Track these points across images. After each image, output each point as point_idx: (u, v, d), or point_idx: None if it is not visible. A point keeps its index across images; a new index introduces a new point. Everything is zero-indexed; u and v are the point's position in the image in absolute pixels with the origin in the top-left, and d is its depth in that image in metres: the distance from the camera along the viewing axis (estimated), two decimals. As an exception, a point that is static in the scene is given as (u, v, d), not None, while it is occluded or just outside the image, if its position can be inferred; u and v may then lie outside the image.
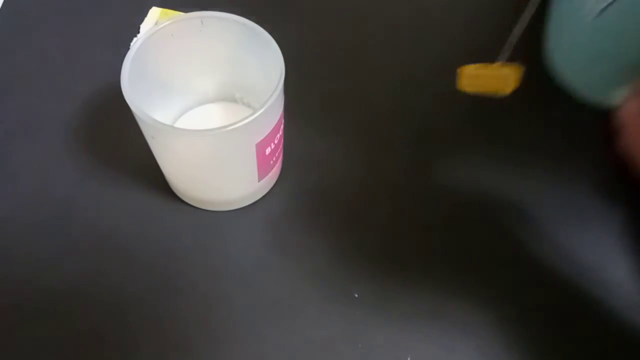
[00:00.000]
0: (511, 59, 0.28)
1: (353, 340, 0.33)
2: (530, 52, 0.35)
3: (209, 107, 0.39)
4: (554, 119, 0.35)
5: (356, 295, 0.34)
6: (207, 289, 0.34)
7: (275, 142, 0.33)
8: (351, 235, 0.36)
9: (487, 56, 0.32)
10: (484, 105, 0.35)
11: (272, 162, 0.35)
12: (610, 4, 0.24)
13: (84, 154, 0.39)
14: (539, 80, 0.36)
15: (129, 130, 0.35)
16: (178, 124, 0.38)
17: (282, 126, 0.34)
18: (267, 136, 0.32)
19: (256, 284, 0.34)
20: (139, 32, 0.44)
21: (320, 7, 0.47)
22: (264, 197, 0.37)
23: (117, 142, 0.39)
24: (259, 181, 0.35)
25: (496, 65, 0.29)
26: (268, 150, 0.33)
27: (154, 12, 0.45)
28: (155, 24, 0.44)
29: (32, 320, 0.33)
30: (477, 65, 0.31)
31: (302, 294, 0.34)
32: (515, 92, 0.29)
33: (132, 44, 0.32)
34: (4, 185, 0.37)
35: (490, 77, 0.30)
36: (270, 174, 0.36)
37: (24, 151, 0.39)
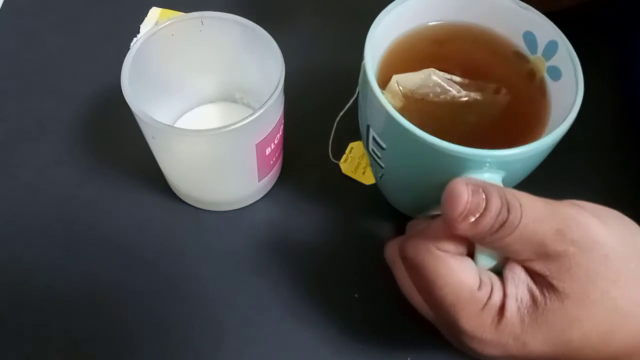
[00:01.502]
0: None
1: (353, 340, 0.33)
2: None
3: (209, 107, 0.39)
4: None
5: (356, 295, 0.34)
6: (207, 289, 0.34)
7: (275, 142, 0.33)
8: (351, 235, 0.36)
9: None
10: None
11: (272, 162, 0.35)
12: (382, 175, 0.33)
13: (84, 154, 0.39)
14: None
15: (129, 130, 0.35)
16: (178, 124, 0.38)
17: (282, 126, 0.34)
18: (267, 136, 0.32)
19: (256, 284, 0.34)
20: (139, 32, 0.44)
21: (320, 6, 0.47)
22: (264, 197, 0.37)
23: (117, 142, 0.39)
24: (259, 181, 0.35)
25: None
26: (268, 150, 0.33)
27: (154, 12, 0.45)
28: (155, 24, 0.44)
29: (32, 320, 0.33)
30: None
31: (302, 294, 0.34)
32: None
33: (132, 44, 0.32)
34: (3, 185, 0.37)
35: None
36: (270, 174, 0.36)
37: (24, 151, 0.39)
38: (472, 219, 0.23)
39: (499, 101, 0.31)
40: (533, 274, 0.24)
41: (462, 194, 0.23)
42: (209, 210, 0.37)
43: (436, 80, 0.31)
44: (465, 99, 0.31)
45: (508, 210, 0.23)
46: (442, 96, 0.31)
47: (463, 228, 0.23)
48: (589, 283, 0.23)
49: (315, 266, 0.35)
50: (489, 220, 0.23)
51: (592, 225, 0.23)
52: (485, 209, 0.23)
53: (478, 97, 0.31)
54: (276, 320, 0.33)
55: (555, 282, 0.23)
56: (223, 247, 0.36)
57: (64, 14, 0.45)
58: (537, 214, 0.23)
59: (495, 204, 0.23)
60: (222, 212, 0.37)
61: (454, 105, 0.31)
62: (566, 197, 0.27)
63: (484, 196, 0.23)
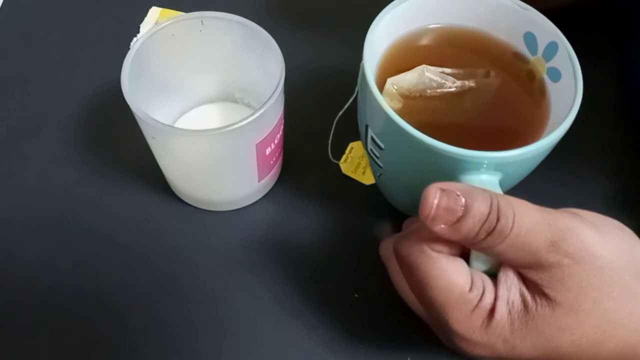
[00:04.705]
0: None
1: (353, 340, 0.33)
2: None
3: (209, 107, 0.39)
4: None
5: (356, 296, 0.34)
6: (207, 289, 0.34)
7: (275, 142, 0.33)
8: (351, 235, 0.36)
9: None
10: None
11: (272, 162, 0.35)
12: (380, 174, 0.33)
13: (83, 154, 0.39)
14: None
15: (129, 130, 0.35)
16: (178, 124, 0.38)
17: (282, 126, 0.34)
18: (267, 136, 0.32)
19: (256, 283, 0.34)
20: (139, 32, 0.44)
21: (320, 6, 0.47)
22: (264, 197, 0.37)
23: (117, 142, 0.39)
24: (259, 181, 0.35)
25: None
26: (268, 150, 0.33)
27: (154, 12, 0.45)
28: (155, 23, 0.44)
29: (32, 320, 0.33)
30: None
31: (302, 294, 0.34)
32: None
33: (132, 44, 0.32)
34: (3, 184, 0.37)
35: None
36: (270, 174, 0.36)
37: (24, 151, 0.39)
38: (443, 225, 0.23)
39: (490, 84, 0.32)
40: (526, 280, 0.24)
41: (429, 197, 0.23)
42: (209, 210, 0.37)
43: (430, 76, 0.31)
44: (460, 88, 0.31)
45: (498, 218, 0.23)
46: (438, 90, 0.31)
47: (440, 231, 0.23)
48: (581, 293, 0.23)
49: (315, 266, 0.35)
50: (471, 225, 0.23)
51: (589, 237, 0.23)
52: (466, 213, 0.23)
53: (472, 84, 0.31)
54: (276, 320, 0.33)
55: (547, 291, 0.23)
56: (223, 247, 0.36)
57: (64, 14, 0.45)
58: (532, 224, 0.23)
59: (480, 210, 0.23)
60: (222, 212, 0.37)
61: (452, 96, 0.31)
62: (565, 199, 0.27)
63: (463, 201, 0.23)
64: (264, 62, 0.33)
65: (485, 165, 0.26)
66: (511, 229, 0.23)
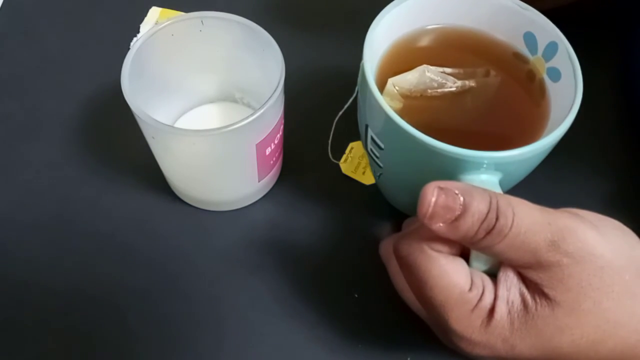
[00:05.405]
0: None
1: (353, 340, 0.33)
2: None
3: (209, 107, 0.39)
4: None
5: (356, 295, 0.34)
6: (207, 289, 0.34)
7: (275, 142, 0.34)
8: (351, 235, 0.36)
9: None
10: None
11: (272, 162, 0.35)
12: (380, 174, 0.33)
13: (83, 154, 0.39)
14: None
15: (129, 130, 0.35)
16: (178, 124, 0.38)
17: (282, 126, 0.34)
18: (267, 136, 0.32)
19: (256, 283, 0.34)
20: (139, 32, 0.44)
21: (320, 7, 0.47)
22: (264, 197, 0.37)
23: (117, 142, 0.39)
24: (259, 181, 0.35)
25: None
26: (268, 151, 0.33)
27: (154, 12, 0.45)
28: (155, 23, 0.44)
29: (32, 320, 0.33)
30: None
31: (302, 294, 0.34)
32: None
33: (132, 44, 0.32)
34: (3, 184, 0.37)
35: None
36: (270, 174, 0.36)
37: (24, 151, 0.39)
38: (441, 223, 0.23)
39: (490, 83, 0.32)
40: (526, 280, 0.24)
41: (427, 195, 0.23)
42: (209, 210, 0.37)
43: (431, 76, 0.31)
44: (461, 88, 0.31)
45: (497, 217, 0.23)
46: (439, 90, 0.31)
47: (439, 230, 0.23)
48: (580, 293, 0.23)
49: (315, 266, 0.35)
50: (470, 224, 0.23)
51: (589, 237, 0.23)
52: (464, 211, 0.23)
53: (472, 84, 0.32)
54: (276, 320, 0.33)
55: (547, 290, 0.23)
56: (223, 247, 0.36)
57: (64, 14, 0.45)
58: (531, 224, 0.23)
59: (479, 208, 0.23)
60: (222, 212, 0.37)
61: (452, 96, 0.31)
62: (565, 199, 0.27)
63: (461, 199, 0.23)
64: (264, 62, 0.33)
65: (485, 165, 0.26)
66: (510, 228, 0.23)
